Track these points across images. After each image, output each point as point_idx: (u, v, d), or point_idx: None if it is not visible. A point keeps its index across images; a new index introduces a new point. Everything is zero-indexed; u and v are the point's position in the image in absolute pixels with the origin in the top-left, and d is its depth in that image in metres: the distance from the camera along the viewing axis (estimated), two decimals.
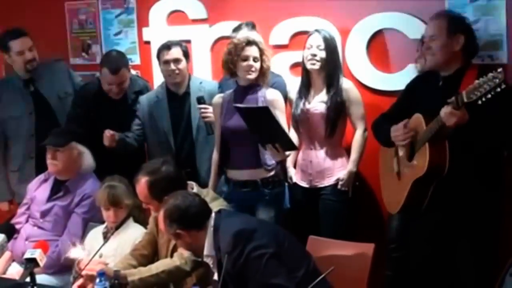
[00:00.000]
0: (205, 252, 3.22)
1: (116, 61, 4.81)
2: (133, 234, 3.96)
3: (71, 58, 5.74)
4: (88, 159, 4.47)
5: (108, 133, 4.59)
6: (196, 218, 3.22)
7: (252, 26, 4.62)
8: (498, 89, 3.06)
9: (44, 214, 4.33)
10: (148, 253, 3.76)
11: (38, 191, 4.44)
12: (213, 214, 3.26)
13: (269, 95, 4.23)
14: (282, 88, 4.48)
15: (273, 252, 3.01)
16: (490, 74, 3.08)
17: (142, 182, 3.61)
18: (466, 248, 3.57)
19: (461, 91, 3.23)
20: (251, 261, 2.99)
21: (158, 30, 5.33)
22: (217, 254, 3.17)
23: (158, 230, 3.75)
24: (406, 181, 3.60)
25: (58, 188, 4.38)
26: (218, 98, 4.42)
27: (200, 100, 4.54)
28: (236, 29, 4.63)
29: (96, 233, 4.10)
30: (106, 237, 3.95)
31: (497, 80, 3.05)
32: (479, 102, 3.13)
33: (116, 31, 5.55)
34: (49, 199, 4.38)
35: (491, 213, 3.55)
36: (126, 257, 3.72)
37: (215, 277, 3.22)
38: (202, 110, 4.50)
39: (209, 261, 3.24)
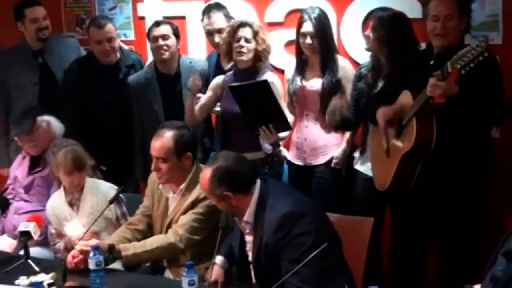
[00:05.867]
0: (245, 218, 3.17)
1: (101, 18, 4.94)
2: (102, 188, 3.94)
3: (65, 33, 5.70)
4: (57, 126, 4.44)
5: None
6: (245, 182, 3.17)
7: (219, 6, 4.66)
8: (481, 58, 3.09)
9: (27, 188, 4.36)
10: (143, 227, 3.76)
11: (18, 170, 4.46)
12: (258, 181, 3.20)
13: (268, 78, 4.23)
14: None
15: (313, 241, 2.93)
16: (474, 43, 3.12)
17: (168, 136, 3.58)
18: (452, 226, 3.61)
19: None
20: (292, 245, 2.96)
21: (153, 6, 5.31)
22: (256, 222, 3.14)
23: (153, 203, 3.77)
24: (394, 158, 3.62)
25: (37, 163, 4.38)
26: (219, 78, 4.44)
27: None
28: (205, 11, 4.68)
29: (58, 203, 3.97)
30: (72, 204, 3.90)
31: (480, 49, 3.08)
32: (463, 71, 3.16)
33: (111, 6, 5.52)
34: (29, 174, 4.39)
35: (478, 194, 3.59)
36: (122, 230, 3.73)
37: (248, 239, 3.22)
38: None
39: (247, 226, 3.21)
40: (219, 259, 3.41)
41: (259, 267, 3.16)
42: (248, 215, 3.17)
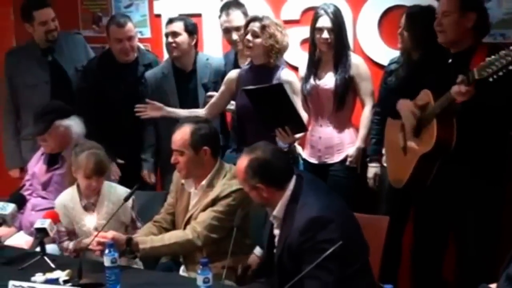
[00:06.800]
0: (275, 212, 3.16)
1: (121, 17, 4.93)
2: (119, 193, 3.86)
3: (82, 30, 5.72)
4: (76, 130, 4.35)
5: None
6: (280, 177, 3.15)
7: (237, 4, 4.67)
8: (510, 67, 3.04)
9: (45, 185, 4.34)
10: (168, 225, 3.76)
11: (37, 166, 4.45)
12: (294, 177, 3.18)
13: (284, 76, 4.24)
14: None
15: (337, 250, 2.86)
16: (502, 52, 3.06)
17: (186, 128, 3.60)
18: (469, 225, 3.60)
19: (471, 69, 3.22)
20: (315, 251, 2.91)
21: (169, 3, 5.33)
22: (284, 218, 3.13)
23: (177, 198, 3.76)
24: (412, 156, 3.62)
25: (55, 160, 4.36)
26: (234, 72, 4.43)
27: (206, 86, 4.63)
28: (223, 8, 4.69)
29: (72, 206, 3.86)
30: (87, 209, 3.82)
31: (510, 58, 3.03)
32: (490, 79, 3.11)
33: (127, 4, 5.55)
34: (47, 171, 4.37)
35: (495, 193, 3.58)
36: (149, 226, 3.74)
37: (276, 232, 3.22)
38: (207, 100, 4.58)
39: (275, 221, 3.21)
40: (257, 249, 3.55)
41: (281, 264, 3.16)
42: (278, 211, 3.16)
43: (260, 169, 3.13)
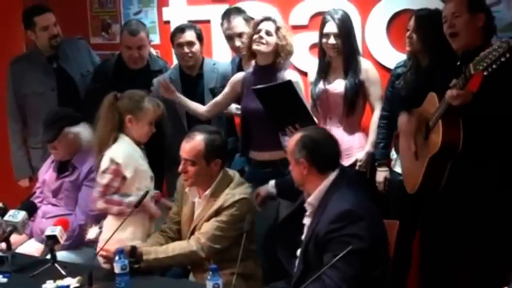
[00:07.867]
0: (310, 199, 3.22)
1: (135, 25, 4.92)
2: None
3: (91, 37, 5.76)
4: (85, 136, 4.33)
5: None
6: (325, 160, 3.22)
7: (238, 10, 4.68)
8: (503, 59, 3.07)
9: (55, 192, 4.35)
10: (174, 235, 3.76)
11: (47, 174, 4.45)
12: (337, 170, 3.24)
13: (288, 76, 4.23)
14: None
15: (362, 248, 2.95)
16: (496, 44, 3.11)
17: (199, 139, 3.57)
18: (484, 230, 3.57)
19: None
20: (340, 242, 2.97)
21: (178, 10, 5.34)
22: (319, 207, 3.18)
23: (182, 206, 3.76)
24: (423, 160, 3.62)
25: (65, 168, 4.37)
26: (239, 75, 4.45)
27: (214, 91, 4.63)
28: (224, 16, 4.70)
29: (137, 156, 3.88)
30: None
31: (502, 50, 3.07)
32: (485, 73, 3.14)
33: (136, 11, 5.57)
34: (58, 178, 4.37)
35: (509, 195, 3.55)
36: (156, 236, 3.75)
37: (306, 221, 3.26)
38: None
39: (309, 208, 3.25)
40: (271, 182, 3.78)
41: (306, 252, 3.19)
42: (314, 198, 3.22)
43: (309, 145, 3.21)
